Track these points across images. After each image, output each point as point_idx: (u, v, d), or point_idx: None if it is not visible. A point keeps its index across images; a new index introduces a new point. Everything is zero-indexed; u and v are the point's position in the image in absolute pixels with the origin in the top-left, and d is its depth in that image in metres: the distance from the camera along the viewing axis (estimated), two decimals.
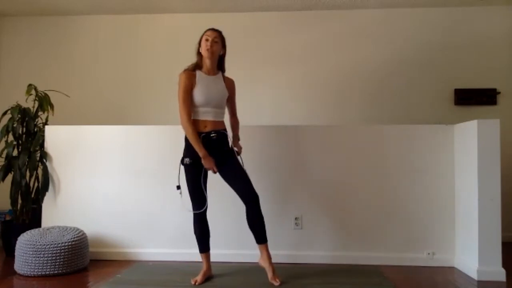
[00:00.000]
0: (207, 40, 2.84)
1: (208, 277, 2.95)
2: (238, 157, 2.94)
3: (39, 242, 3.10)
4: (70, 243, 3.14)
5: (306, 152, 3.51)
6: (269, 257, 2.85)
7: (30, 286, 2.90)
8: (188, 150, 2.84)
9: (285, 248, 3.43)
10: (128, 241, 3.55)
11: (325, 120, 4.52)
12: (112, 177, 3.58)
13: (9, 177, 3.73)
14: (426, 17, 4.56)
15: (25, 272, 3.09)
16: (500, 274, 2.98)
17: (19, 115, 3.75)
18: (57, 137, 3.65)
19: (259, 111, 4.48)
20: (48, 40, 4.81)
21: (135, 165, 3.57)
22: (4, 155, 3.71)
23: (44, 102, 3.88)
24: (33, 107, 3.89)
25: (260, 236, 2.83)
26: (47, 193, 3.61)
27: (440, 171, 3.43)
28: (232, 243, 3.46)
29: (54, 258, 3.08)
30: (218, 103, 2.88)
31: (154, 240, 3.53)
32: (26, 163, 3.66)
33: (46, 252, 3.07)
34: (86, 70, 4.77)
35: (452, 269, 3.30)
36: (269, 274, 2.84)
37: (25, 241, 3.13)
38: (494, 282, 2.95)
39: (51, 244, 3.09)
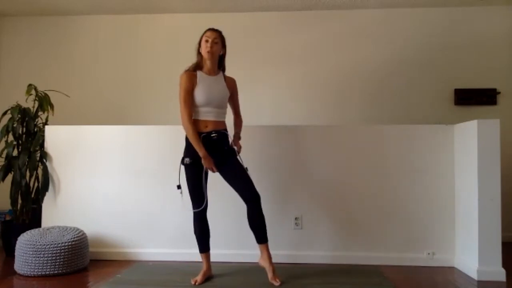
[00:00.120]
0: (207, 41, 2.84)
1: (208, 277, 2.95)
2: (238, 157, 2.94)
3: (39, 242, 3.10)
4: (70, 243, 3.14)
5: (306, 152, 3.51)
6: (269, 257, 2.85)
7: (30, 286, 2.90)
8: (189, 150, 2.84)
9: (285, 248, 3.43)
10: (128, 241, 3.55)
11: (325, 120, 4.52)
12: (112, 177, 3.58)
13: (9, 177, 3.73)
14: (426, 17, 4.56)
15: (25, 272, 3.09)
16: (500, 274, 2.98)
17: (19, 115, 3.76)
18: (57, 137, 3.65)
19: (259, 111, 4.47)
20: (48, 40, 4.81)
21: (135, 165, 3.57)
22: (4, 155, 3.71)
23: (44, 102, 3.88)
24: (33, 107, 3.89)
25: (261, 235, 2.83)
26: (47, 193, 3.61)
27: (440, 171, 3.43)
28: (232, 243, 3.46)
29: (54, 258, 3.07)
30: (219, 103, 2.88)
31: (154, 240, 3.53)
32: (26, 163, 3.66)
33: (46, 252, 3.07)
34: (86, 70, 4.77)
35: (452, 269, 3.30)
36: (269, 274, 2.84)
37: (25, 241, 3.13)
38: (494, 282, 2.95)
39: (51, 244, 3.09)
